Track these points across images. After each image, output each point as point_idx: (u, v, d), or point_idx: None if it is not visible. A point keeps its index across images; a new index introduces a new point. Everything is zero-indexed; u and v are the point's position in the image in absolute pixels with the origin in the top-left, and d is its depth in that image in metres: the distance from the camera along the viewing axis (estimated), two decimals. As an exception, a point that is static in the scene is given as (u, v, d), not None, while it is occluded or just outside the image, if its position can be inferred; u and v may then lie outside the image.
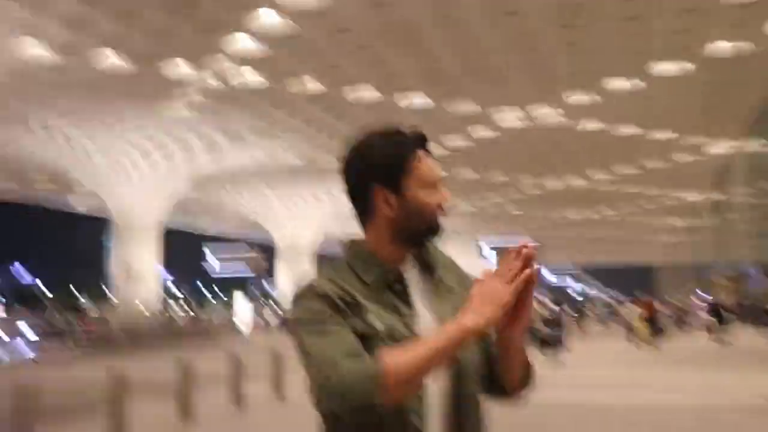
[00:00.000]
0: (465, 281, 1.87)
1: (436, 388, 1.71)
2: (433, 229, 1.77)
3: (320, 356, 1.62)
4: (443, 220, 1.78)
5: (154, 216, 36.04)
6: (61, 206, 55.52)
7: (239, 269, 36.37)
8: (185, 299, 72.52)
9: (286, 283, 49.63)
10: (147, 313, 33.85)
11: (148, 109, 29.97)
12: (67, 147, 33.43)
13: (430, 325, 1.74)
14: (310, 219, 49.57)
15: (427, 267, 1.82)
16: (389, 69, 25.62)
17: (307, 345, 1.65)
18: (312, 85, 27.38)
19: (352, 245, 1.81)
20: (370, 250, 1.77)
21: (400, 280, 1.75)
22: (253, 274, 34.76)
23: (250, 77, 26.45)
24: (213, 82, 26.82)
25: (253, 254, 35.68)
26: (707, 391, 14.05)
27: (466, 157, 37.76)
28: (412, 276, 1.79)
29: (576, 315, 38.70)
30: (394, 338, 1.67)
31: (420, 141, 1.75)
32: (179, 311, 40.01)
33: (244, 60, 24.65)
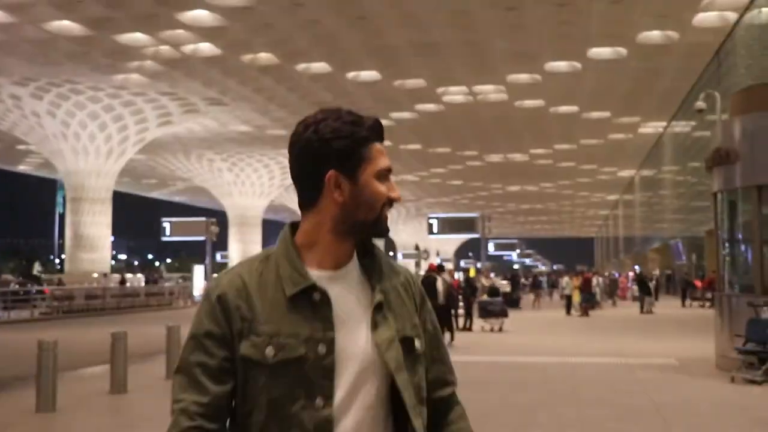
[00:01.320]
0: (412, 295, 1.68)
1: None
2: (378, 223, 1.59)
3: (176, 377, 1.55)
4: (386, 218, 1.62)
5: (106, 183, 35.60)
6: (9, 168, 54.24)
7: (192, 234, 36.17)
8: (141, 266, 71.83)
9: (236, 250, 49.65)
10: (102, 280, 33.52)
11: (102, 75, 29.56)
12: (17, 110, 32.74)
13: (362, 349, 1.53)
14: (258, 187, 49.51)
15: (369, 275, 1.62)
16: (340, 44, 25.77)
17: (181, 353, 1.56)
18: (264, 56, 27.37)
19: (284, 238, 1.62)
20: (302, 245, 1.59)
21: (323, 292, 1.54)
22: (204, 239, 34.62)
23: (204, 46, 26.31)
24: (166, 49, 26.61)
25: (203, 219, 35.43)
26: (626, 352, 14.97)
27: (411, 130, 38.23)
28: (346, 284, 1.58)
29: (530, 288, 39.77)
30: (286, 370, 1.48)
31: (378, 131, 1.63)
32: (137, 279, 39.54)
33: (198, 30, 24.50)
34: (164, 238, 37.68)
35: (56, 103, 32.26)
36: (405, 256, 73.29)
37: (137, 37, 25.36)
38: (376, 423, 1.54)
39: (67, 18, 23.62)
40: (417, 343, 1.60)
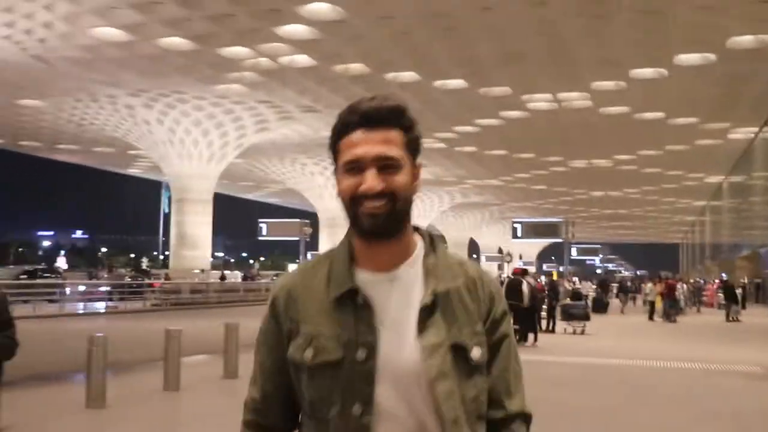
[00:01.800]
0: (479, 299, 1.49)
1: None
2: (355, 221, 1.43)
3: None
4: (367, 214, 1.41)
5: (208, 185, 37.28)
6: (120, 171, 57.25)
7: (286, 234, 37.50)
8: (240, 263, 74.49)
9: (326, 250, 50.58)
10: (202, 276, 35.07)
11: (205, 85, 31.07)
12: (130, 119, 34.74)
13: (407, 355, 1.40)
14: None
15: (426, 277, 1.45)
16: (428, 54, 26.25)
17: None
18: (355, 66, 28.17)
19: (345, 238, 1.51)
20: (350, 245, 1.48)
21: (365, 295, 1.43)
22: (298, 239, 35.77)
23: (299, 58, 27.31)
24: (264, 61, 27.75)
25: (297, 221, 36.63)
26: (709, 358, 14.81)
27: (497, 136, 38.32)
28: (399, 287, 1.45)
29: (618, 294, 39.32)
30: (324, 373, 1.41)
31: (370, 115, 1.42)
32: (235, 275, 41.12)
33: (294, 42, 25.48)
34: (260, 238, 39.19)
35: (164, 111, 34.05)
36: (488, 258, 73.09)
37: (238, 51, 26.58)
38: None
39: (177, 35, 25.02)
40: (476, 352, 1.43)
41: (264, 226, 38.83)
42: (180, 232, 36.49)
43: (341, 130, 1.44)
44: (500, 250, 65.29)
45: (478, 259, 73.57)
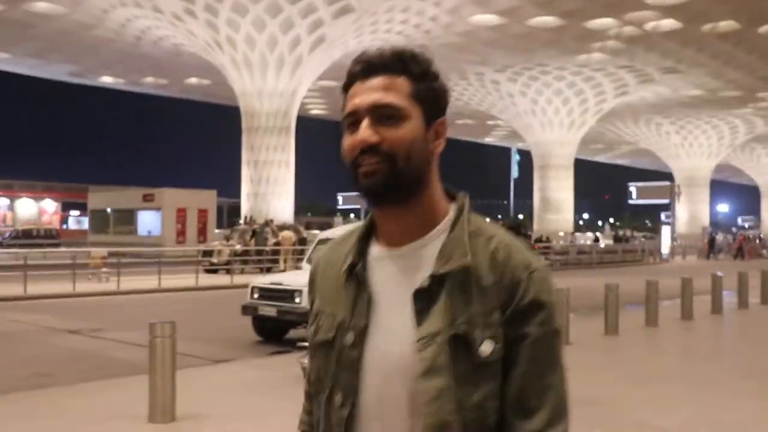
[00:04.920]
0: (500, 284, 1.20)
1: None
2: (354, 182, 1.24)
3: None
4: (362, 173, 1.21)
5: (569, 151, 39.20)
6: (476, 140, 61.94)
7: (656, 197, 37.91)
8: (612, 226, 75.70)
9: (684, 211, 49.51)
10: (568, 239, 36.75)
11: (568, 56, 32.82)
12: (495, 93, 37.97)
13: (399, 344, 1.20)
14: (706, 148, 48.65)
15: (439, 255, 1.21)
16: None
17: None
18: (724, 23, 27.57)
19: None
20: (373, 215, 1.31)
21: (361, 272, 1.25)
22: (666, 201, 35.93)
23: (665, 22, 27.60)
24: (628, 29, 28.55)
25: (667, 184, 36.73)
26: None
27: None
28: (409, 265, 1.24)
29: None
30: (319, 353, 1.28)
31: (368, 65, 1.25)
32: (605, 237, 42.12)
33: (661, 8, 25.92)
34: (630, 201, 39.99)
35: (527, 84, 36.58)
36: None
37: (604, 22, 27.77)
38: None
39: (546, 14, 27.06)
40: (486, 347, 1.17)
41: (634, 190, 39.51)
42: (543, 197, 38.97)
43: (346, 83, 1.26)
44: None
45: None
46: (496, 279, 1.19)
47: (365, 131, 1.19)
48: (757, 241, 45.92)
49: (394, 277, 1.23)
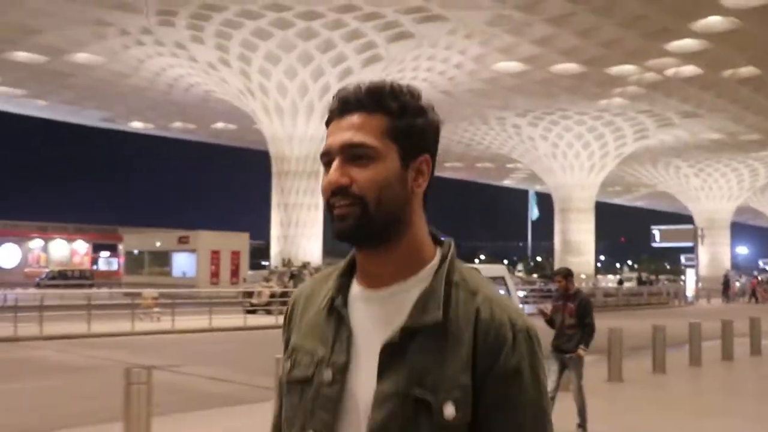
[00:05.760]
0: (475, 342, 1.13)
1: None
2: (332, 228, 1.19)
3: None
4: (336, 216, 1.17)
5: (589, 194, 39.74)
6: (494, 183, 62.62)
7: (679, 240, 38.25)
8: (631, 268, 75.72)
9: (705, 254, 49.69)
10: (591, 281, 37.01)
11: (589, 102, 33.59)
12: (516, 137, 38.74)
13: (367, 394, 1.14)
14: (726, 191, 49.09)
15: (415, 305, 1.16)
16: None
17: None
18: (745, 69, 28.26)
19: None
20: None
21: (340, 310, 1.19)
22: (690, 245, 36.28)
23: (685, 69, 28.33)
24: (649, 75, 29.29)
25: (691, 227, 37.10)
26: None
27: None
28: (388, 309, 1.18)
29: None
30: (294, 390, 1.21)
31: (343, 102, 1.20)
32: (630, 281, 42.21)
33: (682, 55, 26.66)
34: (654, 244, 40.43)
35: (548, 128, 37.33)
36: None
37: (625, 68, 28.52)
38: None
39: (568, 61, 27.84)
40: (448, 410, 1.09)
41: (657, 233, 39.97)
42: (564, 239, 39.41)
43: (327, 120, 1.22)
44: None
45: None
46: (478, 338, 1.12)
47: (334, 173, 1.16)
48: None
49: (371, 320, 1.18)
